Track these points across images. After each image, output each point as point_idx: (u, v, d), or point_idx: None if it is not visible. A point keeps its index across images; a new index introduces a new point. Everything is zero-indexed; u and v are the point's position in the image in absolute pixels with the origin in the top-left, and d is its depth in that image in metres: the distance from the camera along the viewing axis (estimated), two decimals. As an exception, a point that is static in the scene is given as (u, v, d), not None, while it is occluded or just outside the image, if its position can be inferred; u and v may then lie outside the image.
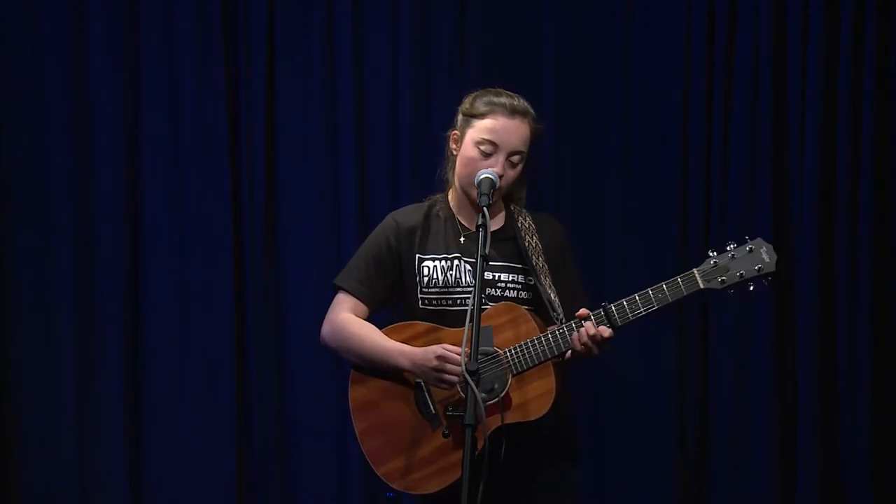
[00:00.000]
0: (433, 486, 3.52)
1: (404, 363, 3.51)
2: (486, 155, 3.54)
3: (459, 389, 3.44)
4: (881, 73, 4.95)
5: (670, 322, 5.16)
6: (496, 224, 3.63)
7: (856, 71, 4.96)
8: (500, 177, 3.52)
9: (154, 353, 5.20)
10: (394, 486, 3.54)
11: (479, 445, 3.19)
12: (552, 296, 3.53)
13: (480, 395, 3.22)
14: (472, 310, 3.21)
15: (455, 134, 3.64)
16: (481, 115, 3.58)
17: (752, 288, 3.47)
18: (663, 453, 5.16)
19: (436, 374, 3.46)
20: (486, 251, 3.30)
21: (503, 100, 3.60)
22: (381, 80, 5.28)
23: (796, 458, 5.03)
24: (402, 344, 3.53)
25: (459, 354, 3.40)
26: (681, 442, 5.16)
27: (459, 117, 3.67)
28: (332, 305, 3.66)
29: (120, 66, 5.17)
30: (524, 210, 3.70)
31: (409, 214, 3.69)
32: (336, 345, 3.63)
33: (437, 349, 3.47)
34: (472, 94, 3.68)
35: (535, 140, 3.65)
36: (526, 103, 3.64)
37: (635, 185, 5.23)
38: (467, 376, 3.14)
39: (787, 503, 5.06)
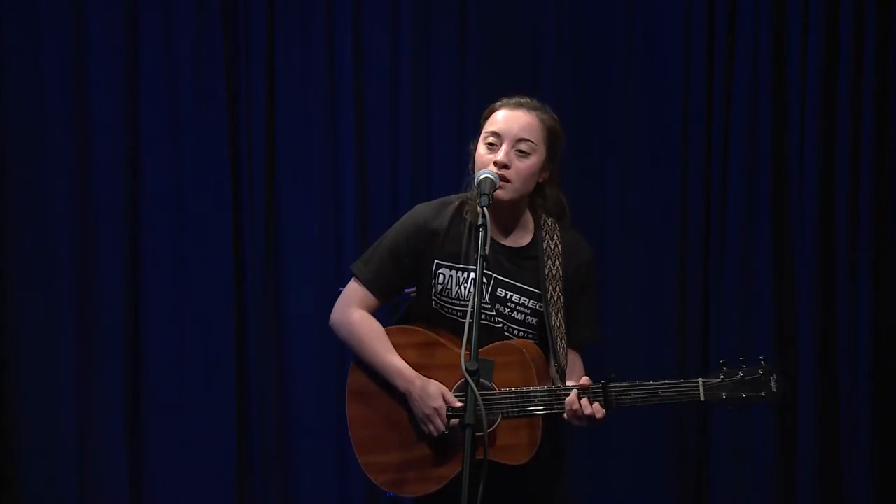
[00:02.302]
0: (411, 491, 3.52)
1: (400, 385, 3.49)
2: (493, 147, 3.49)
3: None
4: (881, 73, 4.95)
5: (671, 321, 5.17)
6: (523, 240, 3.57)
7: (856, 71, 4.96)
8: (506, 166, 3.45)
9: (154, 352, 5.21)
10: (372, 478, 3.54)
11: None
12: (558, 340, 3.47)
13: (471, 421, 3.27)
14: (473, 309, 3.21)
15: (472, 145, 3.59)
16: (489, 115, 3.57)
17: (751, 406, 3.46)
18: (663, 453, 5.16)
19: (424, 417, 3.45)
20: (486, 251, 3.27)
21: (510, 98, 3.58)
22: (381, 80, 5.28)
23: (796, 458, 5.03)
24: (402, 364, 3.50)
25: (454, 409, 3.39)
26: (681, 441, 5.16)
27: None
28: (344, 291, 3.62)
29: (120, 66, 5.17)
30: (556, 227, 3.59)
31: (436, 212, 3.57)
32: (342, 337, 3.61)
33: (437, 399, 3.43)
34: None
35: (552, 138, 3.55)
36: (537, 102, 3.59)
37: (635, 187, 5.23)
38: (467, 376, 3.14)
39: (787, 503, 5.06)
